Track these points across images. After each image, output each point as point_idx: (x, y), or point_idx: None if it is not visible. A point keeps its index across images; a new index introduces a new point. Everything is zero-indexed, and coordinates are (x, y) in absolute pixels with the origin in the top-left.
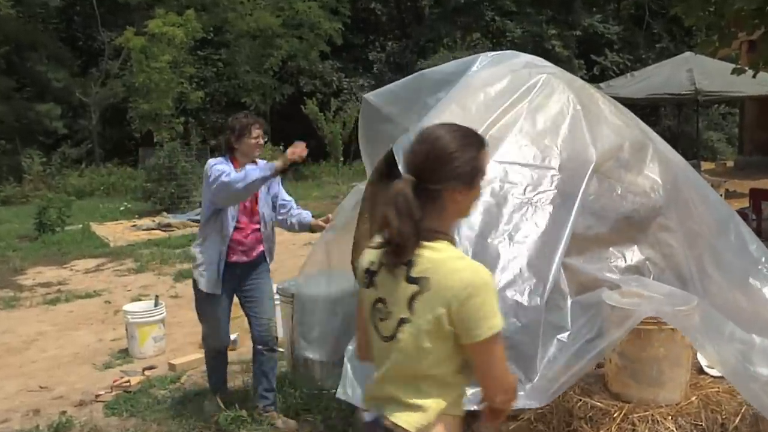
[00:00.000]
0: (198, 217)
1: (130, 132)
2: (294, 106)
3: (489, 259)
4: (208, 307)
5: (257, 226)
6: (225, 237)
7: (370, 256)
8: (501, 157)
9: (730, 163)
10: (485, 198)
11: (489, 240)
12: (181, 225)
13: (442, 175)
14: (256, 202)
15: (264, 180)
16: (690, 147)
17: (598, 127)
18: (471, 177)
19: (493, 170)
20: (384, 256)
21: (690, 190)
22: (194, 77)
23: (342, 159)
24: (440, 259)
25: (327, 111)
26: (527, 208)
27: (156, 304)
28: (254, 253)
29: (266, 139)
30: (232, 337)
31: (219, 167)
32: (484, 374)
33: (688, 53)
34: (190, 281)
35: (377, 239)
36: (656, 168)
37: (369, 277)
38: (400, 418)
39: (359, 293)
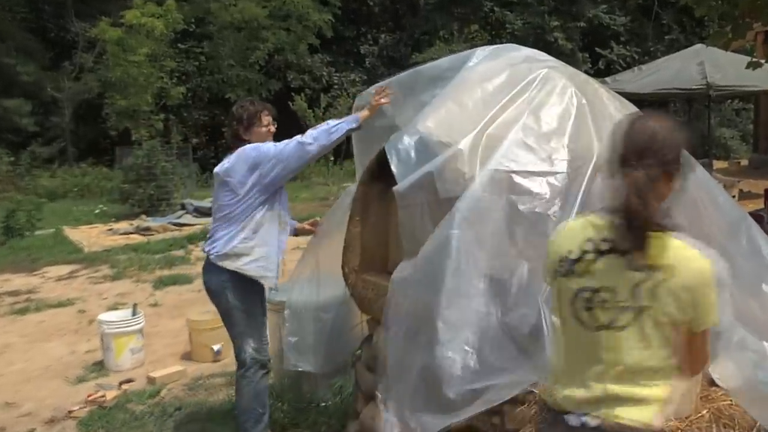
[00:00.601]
0: (181, 220)
1: (106, 130)
2: (281, 103)
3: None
4: (255, 329)
5: None
6: (285, 225)
7: (568, 243)
8: (505, 160)
9: (744, 162)
10: (496, 214)
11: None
12: (161, 228)
13: (668, 161)
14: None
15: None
16: (701, 145)
17: (603, 123)
18: (681, 166)
19: (501, 180)
20: (615, 243)
21: (699, 190)
22: (175, 71)
23: (332, 158)
24: (674, 246)
25: (316, 107)
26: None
27: (134, 313)
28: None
29: (276, 125)
30: (216, 347)
31: (265, 147)
32: (695, 360)
33: (699, 45)
34: (170, 289)
35: (597, 224)
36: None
37: (571, 266)
38: (628, 414)
39: (553, 283)
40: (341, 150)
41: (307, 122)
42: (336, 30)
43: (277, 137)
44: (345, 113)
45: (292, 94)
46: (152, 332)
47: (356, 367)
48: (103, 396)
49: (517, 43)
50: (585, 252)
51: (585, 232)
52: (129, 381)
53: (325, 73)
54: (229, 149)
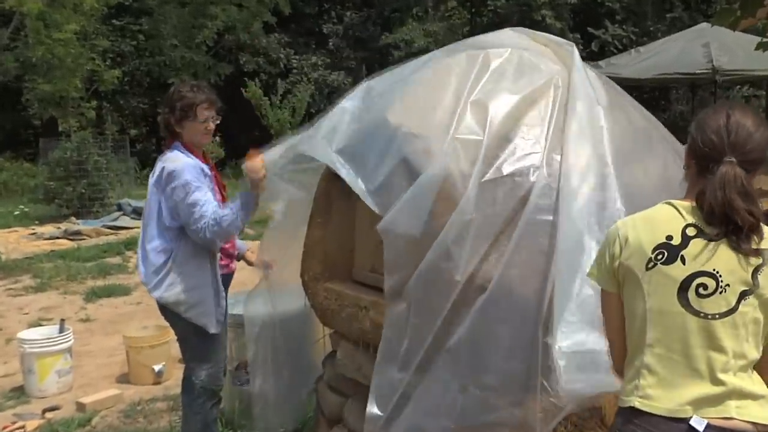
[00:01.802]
0: (117, 223)
1: (28, 118)
2: (232, 89)
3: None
4: (212, 345)
5: None
6: (213, 252)
7: (664, 230)
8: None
9: None
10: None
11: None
12: (94, 233)
13: (759, 159)
14: (224, 188)
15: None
16: None
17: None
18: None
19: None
20: (720, 230)
21: None
22: (108, 52)
23: None
24: None
25: (273, 95)
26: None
27: (61, 330)
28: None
29: (219, 121)
30: (157, 367)
31: (195, 196)
32: None
33: (704, 24)
34: (104, 301)
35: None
36: (661, 163)
37: (675, 252)
38: (755, 412)
39: (644, 275)
40: None
41: (262, 111)
42: (295, 6)
43: (230, 128)
44: (306, 101)
45: (245, 79)
46: (83, 351)
47: (318, 388)
48: (22, 427)
49: (500, 22)
50: (690, 237)
51: (681, 218)
52: (54, 408)
53: (282, 56)
54: (163, 141)
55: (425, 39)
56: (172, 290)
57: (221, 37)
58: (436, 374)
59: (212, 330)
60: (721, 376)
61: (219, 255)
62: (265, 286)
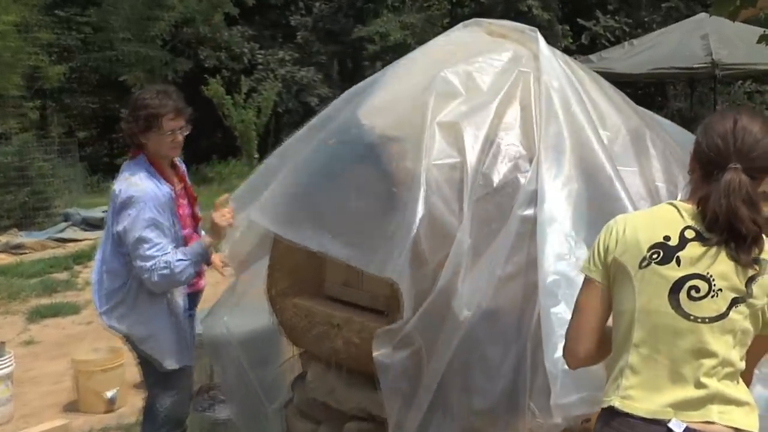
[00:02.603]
0: (64, 234)
1: None
2: (192, 87)
3: None
4: (178, 371)
5: (195, 234)
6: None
7: (661, 230)
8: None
9: None
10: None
11: None
12: (38, 246)
13: (766, 166)
14: (195, 201)
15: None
16: None
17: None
18: None
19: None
20: (719, 235)
21: None
22: (53, 46)
23: (257, 156)
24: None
25: (236, 93)
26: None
27: (0, 355)
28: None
29: (189, 131)
30: (110, 393)
31: (149, 233)
32: (755, 365)
33: (702, 15)
34: (49, 322)
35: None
36: (657, 165)
37: (671, 253)
38: (737, 418)
39: (637, 273)
40: (267, 145)
41: (225, 111)
42: None
43: (191, 131)
44: (272, 99)
45: (206, 76)
46: (25, 378)
47: (286, 413)
48: None
49: (483, 13)
50: (687, 239)
51: (683, 219)
52: None
53: (246, 50)
54: (127, 148)
55: (402, 32)
56: (124, 322)
57: (179, 30)
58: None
59: (169, 365)
60: (705, 380)
61: None
62: (234, 304)
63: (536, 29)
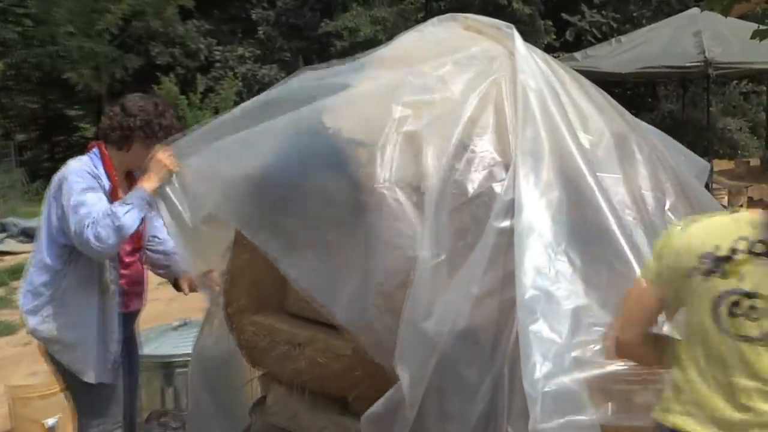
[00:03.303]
0: (1, 247)
1: None
2: (143, 86)
3: None
4: (102, 395)
5: (138, 254)
6: (107, 283)
7: (714, 239)
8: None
9: (754, 161)
10: None
11: None
12: None
13: None
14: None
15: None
16: (699, 140)
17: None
18: None
19: None
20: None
21: (691, 198)
22: None
23: None
24: None
25: (191, 92)
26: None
27: None
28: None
29: None
30: (50, 421)
31: (84, 197)
32: None
33: (694, 10)
34: None
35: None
36: (643, 171)
37: (716, 264)
38: None
39: (686, 282)
40: None
41: (180, 111)
42: None
43: None
44: (232, 99)
45: (158, 74)
46: None
47: None
48: None
49: (460, 8)
50: (735, 251)
51: (738, 229)
52: None
53: (203, 47)
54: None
55: (372, 27)
56: (50, 324)
57: (128, 23)
58: None
59: (89, 379)
60: (748, 402)
61: (115, 289)
62: (212, 327)
63: (512, 26)
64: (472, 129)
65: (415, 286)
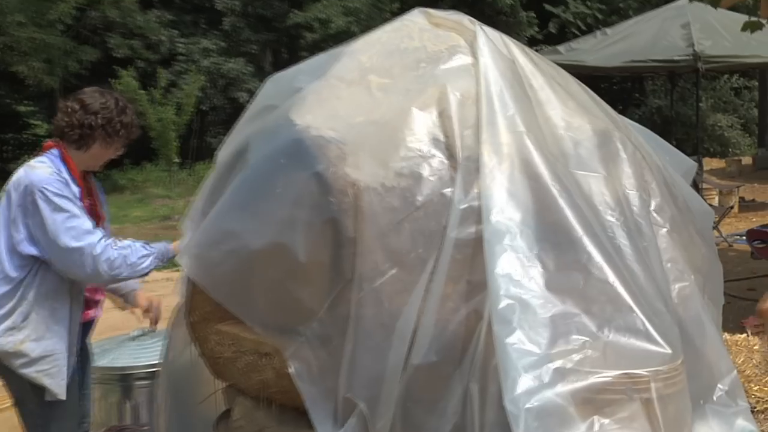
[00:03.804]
0: None
1: None
2: (99, 81)
3: None
4: (57, 411)
5: None
6: (76, 293)
7: None
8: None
9: (746, 160)
10: None
11: None
12: None
13: None
14: (103, 217)
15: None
16: (689, 137)
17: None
18: None
19: None
20: None
21: (678, 197)
22: None
23: (177, 161)
24: None
25: (152, 87)
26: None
27: None
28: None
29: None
30: None
31: (64, 203)
32: None
33: (682, 1)
34: None
35: None
36: (627, 170)
37: None
38: None
39: None
40: (189, 148)
41: (139, 108)
42: None
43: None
44: (195, 95)
45: (116, 67)
46: None
47: None
48: None
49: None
50: None
51: None
52: None
53: (164, 38)
54: (36, 148)
55: (345, 18)
56: (12, 336)
57: (83, 13)
58: None
59: (56, 394)
60: None
61: (82, 299)
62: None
63: (476, 21)
64: (421, 133)
65: (365, 303)
